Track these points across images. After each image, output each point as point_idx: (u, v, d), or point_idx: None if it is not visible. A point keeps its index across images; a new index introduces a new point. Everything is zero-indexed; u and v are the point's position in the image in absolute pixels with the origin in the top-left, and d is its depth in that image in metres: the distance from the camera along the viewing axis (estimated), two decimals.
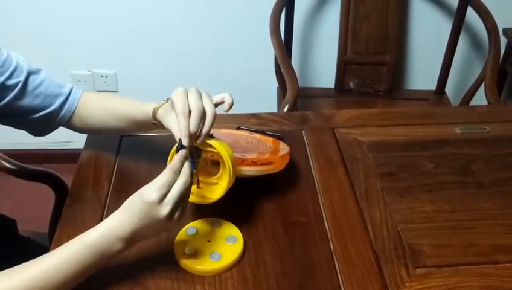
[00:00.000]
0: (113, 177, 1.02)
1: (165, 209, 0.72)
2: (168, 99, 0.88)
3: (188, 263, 0.82)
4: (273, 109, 1.96)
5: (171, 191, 0.73)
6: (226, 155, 0.82)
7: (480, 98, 1.81)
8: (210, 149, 0.83)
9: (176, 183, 0.73)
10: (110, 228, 0.73)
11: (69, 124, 1.00)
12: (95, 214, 0.93)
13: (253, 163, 0.90)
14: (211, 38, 2.00)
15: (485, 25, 1.70)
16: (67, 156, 2.21)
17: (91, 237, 0.73)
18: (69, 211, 0.94)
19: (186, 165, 0.75)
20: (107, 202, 0.97)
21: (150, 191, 0.72)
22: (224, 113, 1.20)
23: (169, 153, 0.84)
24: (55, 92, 0.96)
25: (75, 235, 0.87)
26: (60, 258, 0.72)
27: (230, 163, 0.82)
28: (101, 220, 0.92)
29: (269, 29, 1.68)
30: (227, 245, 0.85)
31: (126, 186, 1.00)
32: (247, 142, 0.99)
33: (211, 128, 0.80)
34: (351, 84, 1.95)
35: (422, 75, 2.05)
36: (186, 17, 1.95)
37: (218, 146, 0.82)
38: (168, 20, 1.96)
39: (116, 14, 1.94)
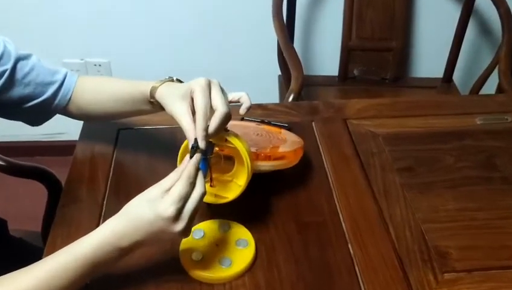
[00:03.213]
0: (111, 175, 0.94)
1: (180, 224, 0.65)
2: (170, 78, 0.81)
3: (195, 271, 0.75)
4: (275, 98, 1.88)
5: (187, 204, 0.65)
6: (244, 152, 0.75)
7: (488, 86, 1.75)
8: (225, 144, 0.76)
9: (192, 196, 0.66)
10: (108, 237, 0.66)
11: (65, 111, 0.92)
12: (91, 215, 0.86)
13: (268, 157, 0.83)
14: (208, 26, 1.91)
15: (498, 9, 1.62)
16: (59, 148, 2.13)
17: (83, 249, 0.66)
18: (64, 212, 0.87)
19: (201, 174, 0.68)
20: (105, 201, 0.89)
21: (165, 205, 0.64)
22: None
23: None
24: (47, 79, 0.88)
25: (69, 238, 0.81)
26: (50, 271, 0.65)
27: (249, 160, 0.75)
28: (99, 221, 0.85)
29: (271, 13, 1.60)
30: (238, 250, 0.78)
31: (125, 185, 0.93)
32: (257, 135, 0.91)
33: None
34: (355, 72, 1.87)
35: (428, 62, 1.97)
36: (183, 3, 1.86)
37: (236, 142, 0.75)
38: (164, 6, 1.87)
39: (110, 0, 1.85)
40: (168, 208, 0.63)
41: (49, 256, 0.66)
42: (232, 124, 0.98)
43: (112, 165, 0.96)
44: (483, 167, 0.98)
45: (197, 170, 0.68)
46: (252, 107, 1.10)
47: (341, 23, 1.77)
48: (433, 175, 0.95)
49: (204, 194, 0.67)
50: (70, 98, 0.90)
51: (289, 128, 1.02)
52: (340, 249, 0.81)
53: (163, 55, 1.96)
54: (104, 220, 0.84)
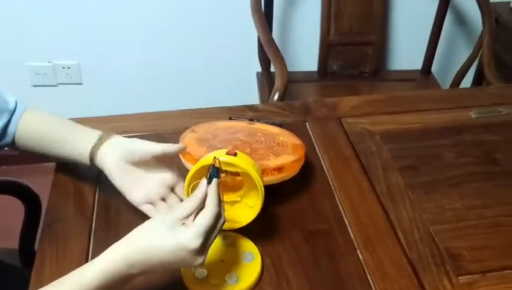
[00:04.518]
0: (97, 188, 0.88)
1: (203, 257, 0.61)
2: (107, 133, 0.79)
3: None
4: (254, 97, 1.83)
5: (211, 236, 0.62)
6: (257, 177, 0.70)
7: (466, 78, 1.75)
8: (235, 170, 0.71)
9: (216, 229, 0.62)
10: (119, 264, 0.59)
11: (12, 147, 0.85)
12: (80, 232, 0.80)
13: (274, 170, 0.78)
14: (181, 25, 1.83)
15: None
16: (25, 157, 2.03)
17: (89, 277, 0.59)
18: (49, 232, 0.80)
19: (221, 203, 0.64)
20: (94, 216, 0.83)
21: (191, 236, 0.59)
22: (216, 106, 1.08)
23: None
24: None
25: (58, 258, 0.75)
26: None
27: (262, 185, 0.70)
28: (89, 238, 0.79)
29: (250, 9, 1.55)
30: (244, 264, 0.73)
31: (114, 197, 0.85)
32: (256, 140, 0.86)
33: None
34: (335, 67, 1.83)
35: (407, 54, 1.96)
36: (155, 1, 1.79)
37: (250, 169, 0.70)
38: (134, 4, 1.79)
39: None
40: (195, 240, 0.59)
41: (51, 285, 0.59)
42: (224, 126, 0.93)
43: (98, 176, 0.89)
44: (484, 162, 0.96)
45: (219, 200, 0.64)
46: (241, 109, 1.06)
47: (319, 19, 1.74)
48: (436, 173, 0.92)
49: (223, 223, 0.64)
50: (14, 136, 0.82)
51: (280, 125, 0.97)
52: (350, 257, 0.77)
53: (134, 54, 1.88)
54: (94, 237, 0.79)
